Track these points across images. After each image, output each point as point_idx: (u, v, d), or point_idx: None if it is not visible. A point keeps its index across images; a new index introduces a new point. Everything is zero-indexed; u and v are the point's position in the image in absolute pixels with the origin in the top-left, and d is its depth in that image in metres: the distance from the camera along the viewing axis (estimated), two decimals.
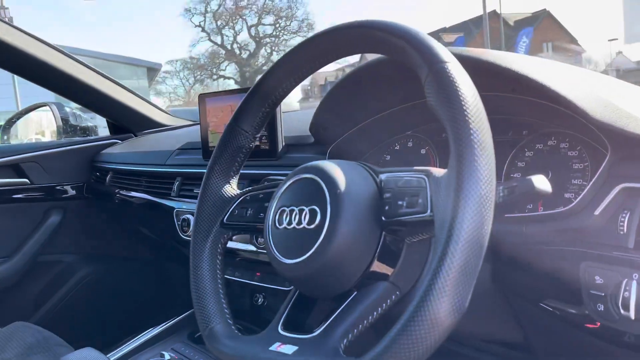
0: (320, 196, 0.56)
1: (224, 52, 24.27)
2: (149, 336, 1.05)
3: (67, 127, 1.64)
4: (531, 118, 0.72)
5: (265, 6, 23.47)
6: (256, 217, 0.67)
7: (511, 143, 0.73)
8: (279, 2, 23.32)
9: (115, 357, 0.97)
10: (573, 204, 0.60)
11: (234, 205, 0.70)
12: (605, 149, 0.59)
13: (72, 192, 1.56)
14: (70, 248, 1.58)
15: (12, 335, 1.21)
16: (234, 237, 0.99)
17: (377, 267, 0.56)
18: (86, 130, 1.69)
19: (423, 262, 0.56)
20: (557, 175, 0.68)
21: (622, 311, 0.54)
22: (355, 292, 0.56)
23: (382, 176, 0.57)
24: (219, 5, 23.25)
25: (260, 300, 1.07)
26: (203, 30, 23.60)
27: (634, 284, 0.53)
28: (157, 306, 1.47)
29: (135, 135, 1.62)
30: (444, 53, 0.51)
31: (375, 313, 0.55)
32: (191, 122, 1.67)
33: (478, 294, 0.67)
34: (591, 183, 0.59)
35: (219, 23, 23.76)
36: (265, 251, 0.62)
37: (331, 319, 0.55)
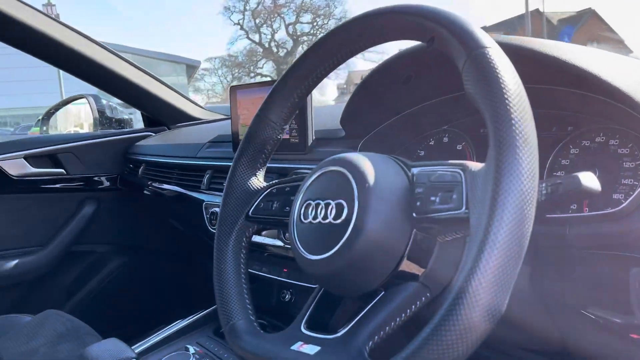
0: (348, 190, 0.53)
1: (261, 50, 24.43)
2: (174, 329, 1.04)
3: (102, 119, 1.66)
4: (578, 112, 0.67)
5: (303, 4, 23.50)
6: (282, 210, 0.65)
7: (555, 139, 0.68)
8: (317, 0, 23.32)
9: (140, 348, 0.97)
10: (623, 205, 0.55)
11: (260, 198, 0.68)
12: None
13: (106, 183, 1.57)
14: (103, 238, 1.60)
15: (43, 322, 1.23)
16: (262, 232, 0.98)
17: (407, 266, 0.52)
18: (121, 123, 1.71)
19: (456, 263, 0.52)
20: (605, 174, 0.63)
21: None
22: (383, 292, 0.53)
23: (415, 170, 0.54)
24: (258, 4, 23.42)
25: (287, 297, 1.05)
26: (241, 28, 23.82)
27: None
28: (185, 299, 1.47)
29: (169, 129, 1.63)
30: (485, 38, 0.47)
31: (403, 315, 0.52)
32: (224, 117, 1.67)
33: (515, 299, 0.63)
34: None
35: (257, 21, 23.94)
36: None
37: (356, 319, 0.52)
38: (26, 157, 1.45)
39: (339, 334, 0.52)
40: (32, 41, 1.30)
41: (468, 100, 0.47)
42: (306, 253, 0.55)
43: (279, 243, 0.91)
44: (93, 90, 1.57)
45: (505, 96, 0.42)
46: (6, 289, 1.45)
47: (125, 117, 1.74)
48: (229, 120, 1.15)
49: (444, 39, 0.49)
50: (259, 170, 0.70)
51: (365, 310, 0.52)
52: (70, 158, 1.51)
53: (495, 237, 0.39)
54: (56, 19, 1.33)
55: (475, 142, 0.78)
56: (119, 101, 1.65)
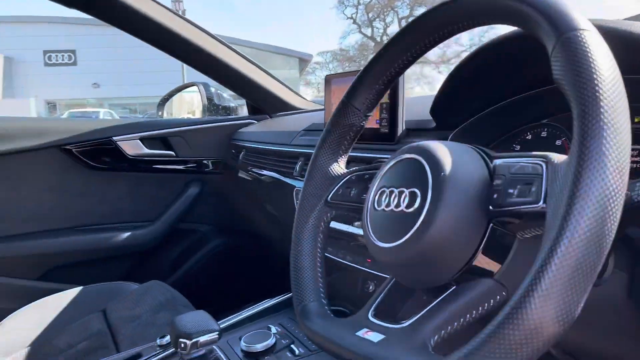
0: (422, 178, 0.51)
1: (373, 44, 24.41)
2: (260, 308, 1.08)
3: (210, 106, 1.75)
4: None
5: None
6: (359, 197, 0.64)
7: None
8: None
9: (226, 324, 1.01)
10: None
11: (339, 184, 0.68)
12: None
13: (210, 166, 1.67)
14: (205, 219, 1.70)
15: (147, 291, 1.33)
16: (355, 223, 0.98)
17: (482, 262, 0.50)
18: (227, 110, 1.80)
19: None
20: None
21: None
22: (455, 287, 0.51)
23: (497, 161, 0.51)
24: None
25: (371, 287, 1.04)
26: (354, 22, 23.97)
27: None
28: (275, 281, 1.52)
29: (270, 117, 1.69)
30: (580, 19, 0.43)
31: (474, 312, 0.49)
32: (322, 107, 1.69)
33: (609, 308, 0.58)
34: None
35: (370, 15, 23.95)
36: None
37: (424, 311, 0.51)
38: (141, 139, 1.57)
39: (404, 325, 0.51)
40: (157, 35, 1.41)
41: (557, 87, 0.43)
42: (377, 240, 0.54)
43: (361, 232, 0.91)
44: (206, 79, 1.66)
45: (595, 81, 0.38)
46: (118, 259, 1.59)
47: (232, 105, 1.82)
48: None
49: (534, 21, 0.46)
50: (340, 156, 0.70)
51: (433, 304, 0.51)
52: (179, 141, 1.62)
53: (570, 233, 0.36)
54: (178, 14, 1.42)
55: None
56: (228, 90, 1.73)
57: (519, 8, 0.47)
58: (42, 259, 1.50)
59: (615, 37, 0.43)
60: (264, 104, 1.67)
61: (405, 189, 0.53)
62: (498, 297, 0.50)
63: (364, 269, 0.98)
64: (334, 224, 0.91)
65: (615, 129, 0.37)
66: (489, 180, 0.50)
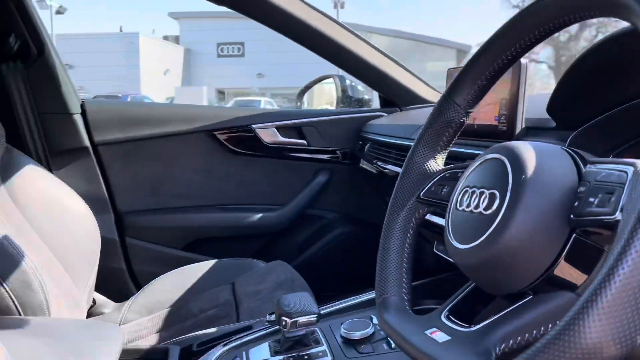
0: (503, 180, 0.49)
1: None
2: (366, 298, 1.10)
3: (344, 98, 1.80)
4: None
5: None
6: (449, 196, 0.63)
7: None
8: None
9: (331, 309, 1.05)
10: None
11: (433, 181, 0.67)
12: None
13: (339, 156, 1.72)
14: (332, 207, 1.76)
15: (271, 270, 1.43)
16: None
17: (563, 272, 0.46)
18: (360, 102, 1.83)
19: None
20: None
21: None
22: (531, 296, 0.48)
23: (590, 167, 0.47)
24: None
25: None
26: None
27: None
28: None
29: (400, 110, 1.68)
30: None
31: (550, 326, 0.46)
32: None
33: None
34: None
35: None
36: None
37: (494, 317, 0.49)
38: (277, 127, 1.68)
39: (472, 329, 0.50)
40: (291, 27, 1.49)
41: None
42: (454, 240, 0.53)
43: None
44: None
45: None
46: (250, 237, 1.73)
47: (365, 97, 1.85)
48: None
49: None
50: (438, 153, 0.69)
51: (505, 311, 0.49)
52: (312, 131, 1.70)
53: (636, 248, 0.33)
54: (311, 5, 1.49)
55: None
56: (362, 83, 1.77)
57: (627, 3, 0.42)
58: (186, 232, 1.68)
59: None
60: (395, 96, 1.68)
61: (485, 190, 0.51)
62: None
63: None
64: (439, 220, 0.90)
65: None
66: (576, 187, 0.46)
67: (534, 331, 0.46)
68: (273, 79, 27.88)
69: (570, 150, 0.50)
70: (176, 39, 33.50)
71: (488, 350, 0.46)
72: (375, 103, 1.83)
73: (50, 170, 1.50)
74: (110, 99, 18.01)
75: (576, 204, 0.44)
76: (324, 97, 2.18)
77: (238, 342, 0.95)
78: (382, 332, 0.94)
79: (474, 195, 0.53)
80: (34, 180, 1.27)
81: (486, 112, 0.96)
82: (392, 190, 1.47)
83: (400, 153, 1.31)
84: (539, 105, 0.90)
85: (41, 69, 1.47)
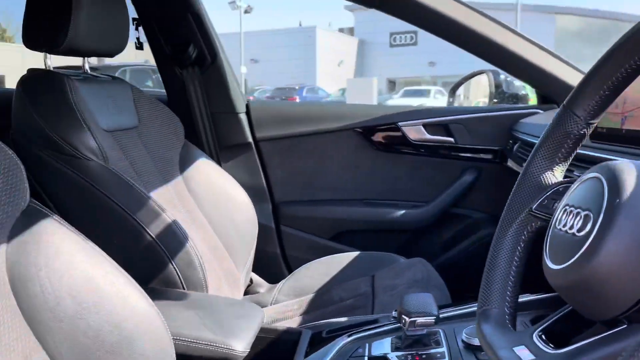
0: (598, 201, 0.47)
1: None
2: None
3: (496, 94, 1.74)
4: None
5: None
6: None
7: None
8: None
9: (453, 313, 1.04)
10: None
11: (547, 194, 0.65)
12: None
13: (488, 155, 1.67)
14: (479, 206, 1.71)
15: (409, 267, 1.46)
16: None
17: None
18: (515, 98, 1.75)
19: None
20: None
21: None
22: (625, 325, 0.46)
23: None
24: None
25: None
26: None
27: None
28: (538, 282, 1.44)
29: (559, 106, 1.56)
30: None
31: None
32: None
33: None
34: None
35: None
36: None
37: (582, 343, 0.47)
38: (424, 125, 1.69)
39: (557, 351, 0.49)
40: (437, 23, 1.48)
41: None
42: (548, 259, 0.52)
43: None
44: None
45: None
46: (393, 233, 1.77)
47: (522, 92, 1.76)
48: None
49: None
50: (556, 165, 0.66)
51: (595, 337, 0.47)
52: (460, 129, 1.67)
53: None
54: (462, 2, 1.46)
55: None
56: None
57: None
58: (334, 223, 1.79)
59: None
60: (553, 93, 1.57)
61: (581, 210, 0.49)
62: None
63: None
64: None
65: None
66: None
67: None
68: (444, 67, 27.20)
69: None
70: (351, 31, 34.52)
71: None
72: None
73: (219, 163, 1.71)
74: (287, 89, 19.30)
75: None
76: (481, 92, 2.12)
77: (363, 334, 1.01)
78: None
79: (571, 215, 0.51)
80: (205, 171, 1.47)
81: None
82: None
83: None
84: None
85: (213, 73, 1.68)
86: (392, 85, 30.20)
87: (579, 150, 1.03)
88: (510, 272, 0.66)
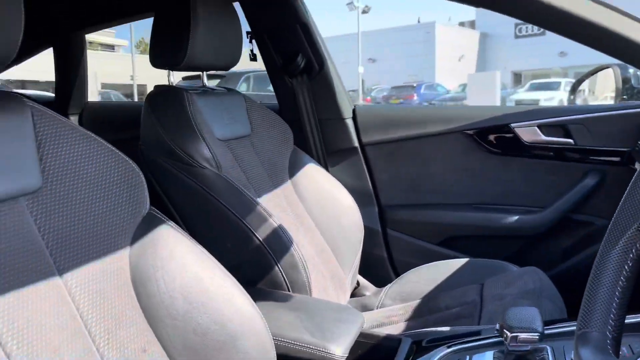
0: None
1: None
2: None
3: (625, 90, 1.59)
4: None
5: None
6: None
7: None
8: None
9: (556, 330, 0.97)
10: None
11: None
12: None
13: (613, 157, 1.53)
14: (604, 212, 1.57)
15: (521, 276, 1.39)
16: None
17: None
18: None
19: None
20: None
21: None
22: None
23: None
24: None
25: None
26: None
27: None
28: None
29: None
30: None
31: None
32: None
33: None
34: None
35: None
36: None
37: None
38: (539, 126, 1.59)
39: None
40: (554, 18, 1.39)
41: None
42: None
43: None
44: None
45: None
46: (505, 239, 1.68)
47: None
48: None
49: None
50: None
51: None
52: (580, 129, 1.55)
53: None
54: None
55: None
56: None
57: None
58: (441, 228, 1.75)
59: None
60: None
61: None
62: None
63: None
64: None
65: None
66: None
67: None
68: (577, 57, 25.10)
69: None
70: (472, 24, 33.26)
71: None
72: None
73: (326, 167, 1.76)
74: (404, 87, 19.07)
75: None
76: (607, 88, 1.95)
77: (463, 345, 0.98)
78: None
79: None
80: (313, 176, 1.53)
81: None
82: None
83: None
84: None
85: (321, 81, 1.73)
86: (517, 78, 28.59)
87: None
88: (616, 292, 0.61)
